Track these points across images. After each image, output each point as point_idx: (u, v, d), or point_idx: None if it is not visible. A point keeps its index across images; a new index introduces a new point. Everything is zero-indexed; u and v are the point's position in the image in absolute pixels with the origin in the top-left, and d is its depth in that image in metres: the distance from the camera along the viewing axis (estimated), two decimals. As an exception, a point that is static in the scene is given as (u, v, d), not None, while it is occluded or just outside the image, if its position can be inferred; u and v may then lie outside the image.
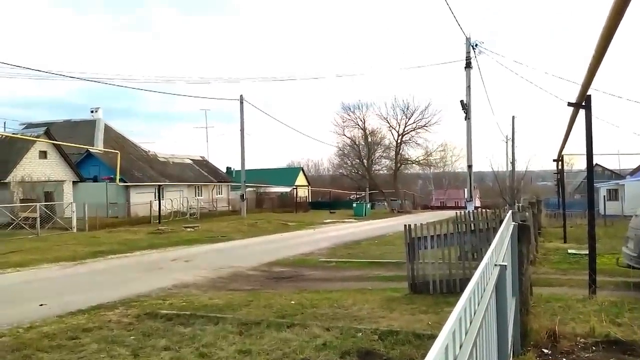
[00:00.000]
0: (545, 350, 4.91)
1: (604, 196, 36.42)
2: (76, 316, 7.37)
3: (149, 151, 40.88)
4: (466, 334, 1.67)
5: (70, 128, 37.06)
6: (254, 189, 48.90)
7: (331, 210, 46.38)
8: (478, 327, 1.93)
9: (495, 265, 2.83)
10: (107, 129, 37.86)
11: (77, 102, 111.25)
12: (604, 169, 54.35)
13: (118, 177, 31.48)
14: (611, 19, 4.74)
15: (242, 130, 35.23)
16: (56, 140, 30.47)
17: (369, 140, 57.83)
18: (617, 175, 50.41)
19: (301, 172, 69.28)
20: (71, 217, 24.27)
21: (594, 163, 10.19)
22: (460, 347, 1.54)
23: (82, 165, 33.87)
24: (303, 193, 58.42)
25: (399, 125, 56.97)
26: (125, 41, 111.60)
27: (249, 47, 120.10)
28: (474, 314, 1.92)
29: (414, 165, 61.23)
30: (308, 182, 68.60)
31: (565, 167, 27.32)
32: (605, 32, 5.16)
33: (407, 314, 6.91)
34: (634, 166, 48.44)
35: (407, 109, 56.70)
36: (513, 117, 42.30)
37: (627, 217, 13.91)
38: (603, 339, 5.12)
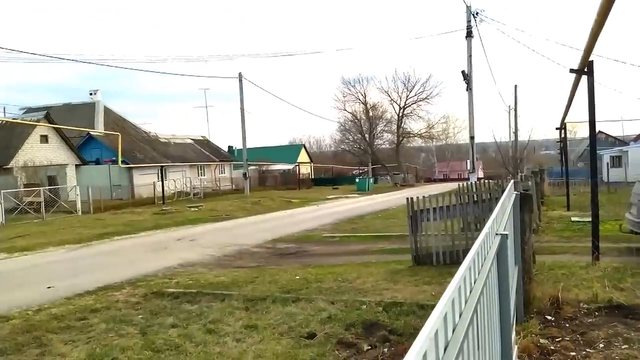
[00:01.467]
0: (549, 317, 4.96)
1: (608, 163, 36.28)
2: (84, 297, 7.47)
3: (149, 132, 40.77)
4: (466, 302, 1.67)
5: (70, 111, 36.92)
6: (257, 167, 48.91)
7: (334, 186, 46.43)
8: (478, 295, 1.93)
9: (497, 234, 2.82)
10: (107, 111, 37.70)
11: (75, 85, 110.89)
12: (607, 135, 53.93)
13: (120, 159, 31.49)
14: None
15: (242, 108, 35.05)
16: (56, 124, 30.38)
17: (370, 114, 57.50)
18: (621, 141, 50.08)
19: (303, 149, 69.14)
20: (75, 201, 24.39)
21: (597, 130, 10.10)
22: (460, 315, 1.54)
23: (83, 149, 33.86)
24: (306, 170, 58.45)
25: (400, 99, 56.57)
26: (120, 21, 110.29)
27: (246, 23, 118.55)
28: (474, 282, 1.92)
29: (416, 138, 61.01)
30: (310, 158, 68.52)
31: (568, 135, 27.18)
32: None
33: (411, 285, 6.97)
34: (638, 132, 48.16)
35: (408, 81, 56.19)
36: (515, 87, 41.92)
37: (631, 184, 13.86)
38: (606, 304, 5.16)
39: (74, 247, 13.92)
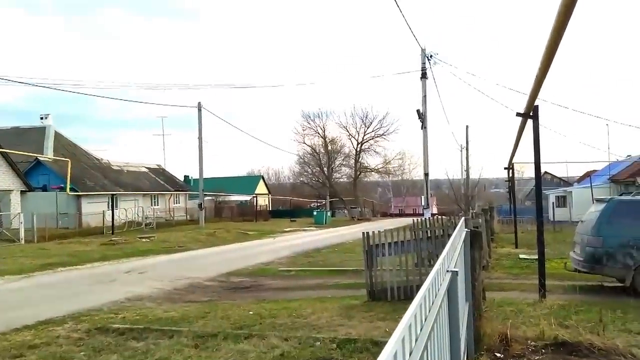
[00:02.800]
0: (498, 354, 5.04)
1: (553, 203, 37.99)
2: (22, 332, 7.00)
3: (102, 159, 39.62)
4: (416, 340, 1.69)
5: (18, 135, 35.45)
6: (213, 197, 48.18)
7: (292, 219, 46.28)
8: (429, 333, 1.96)
9: (447, 271, 2.89)
10: (58, 136, 36.44)
11: (25, 108, 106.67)
12: (553, 176, 56.71)
13: (68, 186, 30.31)
14: (554, 32, 4.97)
15: (200, 138, 34.71)
16: (3, 148, 29.04)
17: (329, 148, 58.24)
18: (566, 182, 52.65)
19: (261, 180, 68.89)
20: (19, 229, 23.17)
21: (543, 171, 10.59)
22: (411, 353, 1.55)
23: (30, 174, 32.38)
24: (263, 201, 58.05)
25: (358, 134, 57.73)
26: (77, 45, 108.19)
27: (208, 53, 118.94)
28: (425, 320, 1.95)
29: (373, 173, 62.07)
30: (268, 190, 68.23)
31: (516, 175, 28.35)
32: (549, 45, 5.40)
33: (366, 321, 6.95)
34: (581, 174, 50.81)
35: (366, 117, 57.55)
36: (467, 127, 43.57)
37: (575, 223, 14.54)
38: (552, 342, 5.31)
39: (14, 278, 13.13)
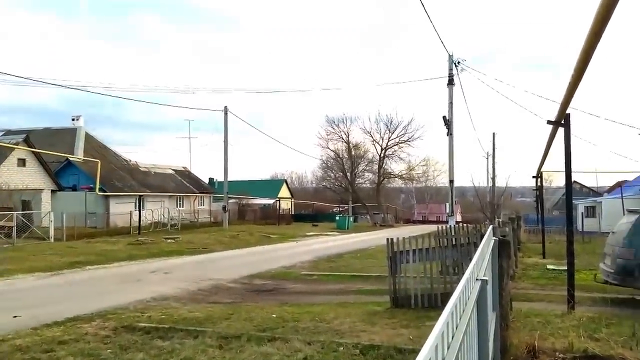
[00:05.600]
0: (525, 366, 4.94)
1: (582, 213, 37.11)
2: (51, 328, 7.19)
3: (130, 160, 40.41)
4: (448, 348, 1.67)
5: (51, 136, 36.48)
6: (237, 200, 48.60)
7: (314, 223, 46.32)
8: (460, 342, 1.94)
9: (477, 279, 2.85)
10: (88, 138, 37.36)
11: (58, 110, 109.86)
12: (582, 186, 55.46)
13: (98, 186, 31.00)
14: (589, 40, 4.87)
15: (225, 141, 35.13)
16: (35, 148, 29.93)
17: (353, 153, 58.09)
18: (595, 192, 51.44)
19: (284, 184, 69.16)
20: (49, 227, 23.78)
21: (572, 180, 10.35)
22: (443, 361, 1.54)
23: (61, 174, 33.29)
24: (286, 205, 58.28)
25: (383, 140, 57.41)
26: (108, 49, 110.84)
27: (235, 58, 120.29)
28: (456, 328, 1.93)
29: (396, 179, 61.61)
30: (291, 194, 68.46)
31: (544, 184, 27.77)
32: (583, 52, 5.30)
33: (389, 328, 6.90)
34: (611, 184, 49.53)
35: (391, 123, 57.20)
36: (494, 134, 43.03)
37: (605, 234, 14.19)
38: (581, 354, 5.18)
39: (43, 275, 13.48)
